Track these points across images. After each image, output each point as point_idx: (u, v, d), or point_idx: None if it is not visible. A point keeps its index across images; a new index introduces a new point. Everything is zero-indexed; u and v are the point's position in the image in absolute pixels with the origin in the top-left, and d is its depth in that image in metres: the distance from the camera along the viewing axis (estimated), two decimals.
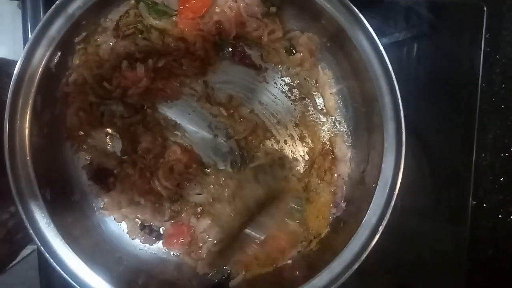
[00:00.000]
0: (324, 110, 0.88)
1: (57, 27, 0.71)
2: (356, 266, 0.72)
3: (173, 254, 0.86)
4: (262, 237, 0.82)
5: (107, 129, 0.84)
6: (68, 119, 0.81)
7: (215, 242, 0.84)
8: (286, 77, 0.87)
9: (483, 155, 0.98)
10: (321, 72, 0.87)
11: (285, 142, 0.87)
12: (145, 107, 0.84)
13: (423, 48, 0.92)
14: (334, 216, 0.86)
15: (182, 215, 0.84)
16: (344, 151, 0.86)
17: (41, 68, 0.72)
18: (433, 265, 0.93)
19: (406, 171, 0.74)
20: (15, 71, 0.70)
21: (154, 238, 0.85)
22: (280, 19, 0.84)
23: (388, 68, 0.73)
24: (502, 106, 0.99)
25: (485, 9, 0.91)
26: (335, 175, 0.87)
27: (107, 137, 0.85)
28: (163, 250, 0.86)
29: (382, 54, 0.73)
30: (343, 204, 0.86)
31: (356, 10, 0.73)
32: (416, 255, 0.93)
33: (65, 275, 0.71)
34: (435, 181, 0.94)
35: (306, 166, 0.88)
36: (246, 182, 0.84)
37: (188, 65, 0.82)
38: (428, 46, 0.92)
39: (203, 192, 0.85)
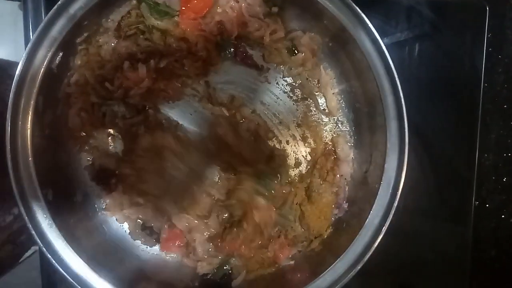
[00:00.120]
0: (326, 110, 0.88)
1: (59, 27, 0.71)
2: (359, 267, 0.72)
3: (174, 255, 0.86)
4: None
5: (109, 130, 0.84)
6: (70, 120, 0.81)
7: (206, 235, 0.84)
8: (288, 77, 0.87)
9: (485, 155, 0.98)
10: (323, 72, 0.86)
11: (287, 142, 0.87)
12: (147, 108, 0.84)
13: (425, 48, 0.92)
14: (336, 217, 0.86)
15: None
16: (347, 151, 0.86)
17: (43, 68, 0.71)
18: (436, 265, 0.93)
19: (409, 171, 0.73)
20: (17, 72, 0.70)
21: (154, 240, 0.85)
22: (282, 19, 0.84)
23: (391, 68, 0.73)
24: (505, 106, 0.99)
25: (487, 8, 0.91)
26: (338, 175, 0.87)
27: (109, 138, 0.85)
28: (164, 251, 0.86)
29: (385, 54, 0.73)
30: (345, 205, 0.86)
31: (359, 10, 0.73)
32: (419, 255, 0.93)
33: (67, 275, 0.71)
34: (437, 181, 0.94)
35: (308, 167, 0.87)
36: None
37: (190, 66, 0.82)
38: (430, 46, 0.92)
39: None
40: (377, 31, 0.73)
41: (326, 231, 0.85)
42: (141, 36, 0.82)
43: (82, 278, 0.72)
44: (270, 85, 0.87)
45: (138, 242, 0.85)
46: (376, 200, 0.74)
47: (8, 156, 0.70)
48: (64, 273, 0.71)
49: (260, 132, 0.85)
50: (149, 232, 0.85)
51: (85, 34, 0.78)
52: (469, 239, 0.93)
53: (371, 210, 0.74)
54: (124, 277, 0.77)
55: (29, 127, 0.71)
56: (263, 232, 0.84)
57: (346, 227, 0.83)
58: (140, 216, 0.84)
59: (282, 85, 0.87)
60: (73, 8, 0.71)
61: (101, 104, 0.82)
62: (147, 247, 0.85)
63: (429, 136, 0.93)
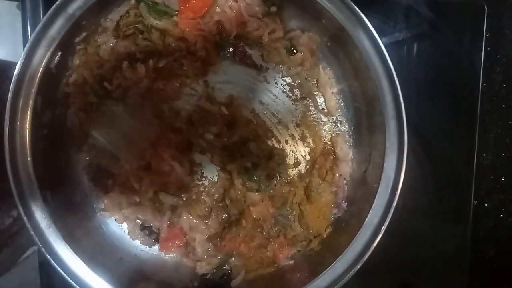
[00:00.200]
0: (325, 110, 0.88)
1: (57, 27, 0.71)
2: (358, 267, 0.72)
3: (174, 255, 0.86)
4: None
5: (107, 129, 0.84)
6: (68, 120, 0.81)
7: (206, 236, 0.84)
8: (287, 76, 0.87)
9: (484, 154, 0.98)
10: (322, 72, 0.86)
11: (286, 142, 0.87)
12: None
13: (423, 48, 0.92)
14: (336, 217, 0.86)
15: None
16: (346, 151, 0.86)
17: (41, 68, 0.71)
18: (435, 265, 0.93)
19: (407, 171, 0.74)
20: (15, 72, 0.70)
21: (153, 240, 0.85)
22: (281, 19, 0.84)
23: (390, 67, 0.73)
24: (503, 106, 0.99)
25: (485, 8, 0.91)
26: (337, 175, 0.87)
27: (108, 138, 0.84)
28: (163, 251, 0.86)
29: (383, 53, 0.73)
30: (345, 205, 0.86)
31: (357, 9, 0.73)
32: (418, 255, 0.93)
33: (66, 276, 0.71)
34: (436, 181, 0.94)
35: (308, 166, 0.87)
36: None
37: (188, 65, 0.82)
38: (429, 46, 0.92)
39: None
40: (376, 31, 0.73)
41: (325, 230, 0.86)
42: (140, 36, 0.82)
43: (81, 278, 0.72)
44: (269, 85, 0.87)
45: (137, 242, 0.85)
46: (375, 200, 0.74)
47: (7, 156, 0.69)
48: (63, 273, 0.71)
49: (259, 132, 0.85)
50: (148, 232, 0.85)
51: (84, 34, 0.78)
52: (468, 239, 0.93)
53: (370, 209, 0.74)
54: (123, 277, 0.77)
55: (27, 127, 0.71)
56: (263, 227, 0.84)
57: (345, 226, 0.83)
58: (139, 215, 0.84)
59: (281, 84, 0.87)
60: (72, 8, 0.71)
61: (99, 104, 0.82)
62: (146, 247, 0.85)
63: (428, 136, 0.93)
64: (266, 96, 0.87)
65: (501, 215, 1.00)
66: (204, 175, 0.85)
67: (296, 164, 0.87)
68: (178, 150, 0.82)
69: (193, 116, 0.83)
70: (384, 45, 0.73)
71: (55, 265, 0.71)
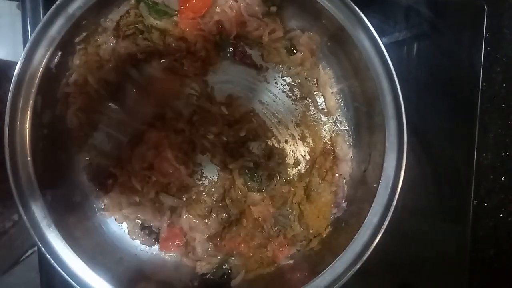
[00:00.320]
0: (325, 110, 0.88)
1: (58, 27, 0.71)
2: (358, 266, 0.72)
3: (173, 255, 0.86)
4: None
5: (108, 130, 0.84)
6: (68, 120, 0.81)
7: (205, 236, 0.84)
8: (286, 76, 0.87)
9: (484, 154, 0.98)
10: (322, 72, 0.86)
11: (286, 142, 0.87)
12: None
13: (423, 48, 0.92)
14: (335, 216, 0.86)
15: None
16: (345, 150, 0.86)
17: (41, 68, 0.71)
18: (435, 264, 0.93)
19: (407, 171, 0.74)
20: (15, 72, 0.70)
21: (153, 240, 0.85)
22: (281, 19, 0.84)
23: (390, 67, 0.73)
24: (503, 105, 0.99)
25: (485, 8, 0.91)
26: (336, 175, 0.87)
27: (107, 138, 0.84)
28: (163, 251, 0.86)
29: (383, 53, 0.73)
30: (344, 204, 0.86)
31: (357, 9, 0.73)
32: (417, 255, 0.93)
33: (66, 276, 0.71)
34: (436, 181, 0.94)
35: (307, 166, 0.87)
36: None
37: (189, 65, 0.82)
38: (429, 46, 0.92)
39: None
40: (375, 31, 0.73)
41: (325, 230, 0.86)
42: (140, 36, 0.82)
43: (81, 278, 0.72)
44: (269, 85, 0.87)
45: (137, 242, 0.85)
46: (375, 199, 0.74)
47: (7, 156, 0.69)
48: (63, 273, 0.71)
49: (258, 132, 0.85)
50: (148, 232, 0.85)
51: (84, 34, 0.78)
52: (468, 238, 0.93)
53: (370, 209, 0.74)
54: (123, 277, 0.77)
55: (27, 127, 0.71)
56: (263, 227, 0.84)
57: (345, 226, 0.83)
58: (139, 215, 0.84)
59: (281, 84, 0.87)
60: (72, 8, 0.71)
61: (99, 104, 0.82)
62: (146, 247, 0.85)
63: (427, 136, 0.93)
64: (266, 96, 0.87)
65: (501, 215, 1.00)
66: (204, 175, 0.86)
67: (296, 163, 0.87)
68: (181, 151, 0.82)
69: (194, 116, 0.83)
70: (384, 45, 0.73)
71: (55, 265, 0.71)
